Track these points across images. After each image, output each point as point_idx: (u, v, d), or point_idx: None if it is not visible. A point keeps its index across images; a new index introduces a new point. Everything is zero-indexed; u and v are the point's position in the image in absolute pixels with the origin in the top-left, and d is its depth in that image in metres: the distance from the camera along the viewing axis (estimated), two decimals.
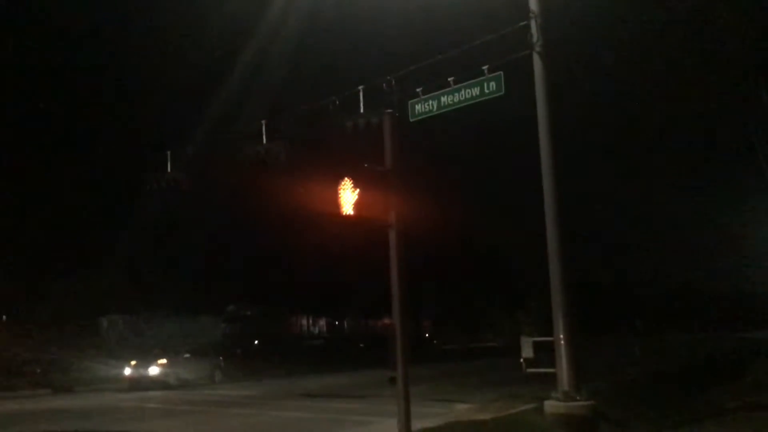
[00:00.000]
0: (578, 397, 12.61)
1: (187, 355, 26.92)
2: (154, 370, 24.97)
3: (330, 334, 55.07)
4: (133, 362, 25.40)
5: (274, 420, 15.56)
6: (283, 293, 47.26)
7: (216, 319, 45.32)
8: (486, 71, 12.46)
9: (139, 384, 24.43)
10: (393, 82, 12.34)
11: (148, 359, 25.42)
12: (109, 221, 35.95)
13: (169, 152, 16.25)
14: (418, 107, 13.07)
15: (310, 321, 55.56)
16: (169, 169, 16.02)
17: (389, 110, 9.53)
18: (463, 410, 15.94)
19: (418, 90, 13.06)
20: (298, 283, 46.29)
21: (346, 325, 57.76)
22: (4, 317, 32.10)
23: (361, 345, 51.70)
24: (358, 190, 8.70)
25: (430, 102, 12.97)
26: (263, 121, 14.57)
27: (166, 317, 40.32)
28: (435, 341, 60.99)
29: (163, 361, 25.43)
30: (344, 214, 8.72)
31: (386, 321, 59.37)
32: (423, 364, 33.38)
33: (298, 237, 35.36)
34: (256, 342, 47.08)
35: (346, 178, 8.63)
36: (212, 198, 30.74)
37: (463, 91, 12.67)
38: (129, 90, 36.39)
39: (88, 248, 34.04)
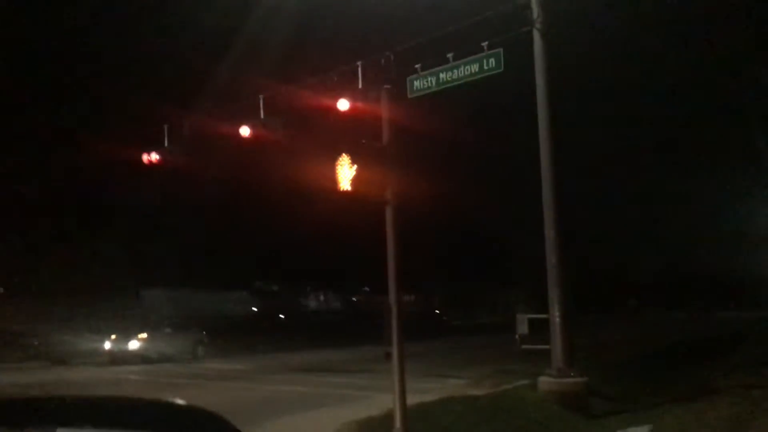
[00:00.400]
0: (572, 374, 12.76)
1: (168, 330, 26.54)
2: (134, 345, 24.71)
3: (350, 309, 55.32)
4: (113, 336, 25.11)
5: (267, 394, 15.69)
6: (299, 269, 48.00)
7: (243, 294, 46.83)
8: (485, 48, 12.40)
9: (119, 358, 24.14)
10: (392, 57, 12.27)
11: (128, 334, 25.19)
12: (108, 197, 35.91)
13: (165, 126, 16.15)
14: (416, 84, 13.01)
15: (329, 296, 56.58)
16: (165, 144, 15.94)
17: (387, 86, 9.49)
18: (457, 386, 16.09)
19: (416, 66, 13.00)
20: (312, 259, 46.65)
21: (363, 300, 58.26)
22: (1, 289, 32.18)
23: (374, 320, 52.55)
24: (355, 166, 8.68)
25: (429, 78, 12.91)
26: (261, 96, 14.48)
27: (192, 292, 41.27)
28: (445, 317, 61.46)
29: (144, 335, 25.24)
30: (341, 190, 8.71)
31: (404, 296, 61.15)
32: (438, 339, 33.94)
33: (307, 213, 35.24)
34: (282, 316, 47.86)
35: (343, 154, 8.61)
36: (211, 173, 30.63)
37: (462, 68, 12.61)
38: (127, 63, 36.11)
39: (89, 221, 34.12)
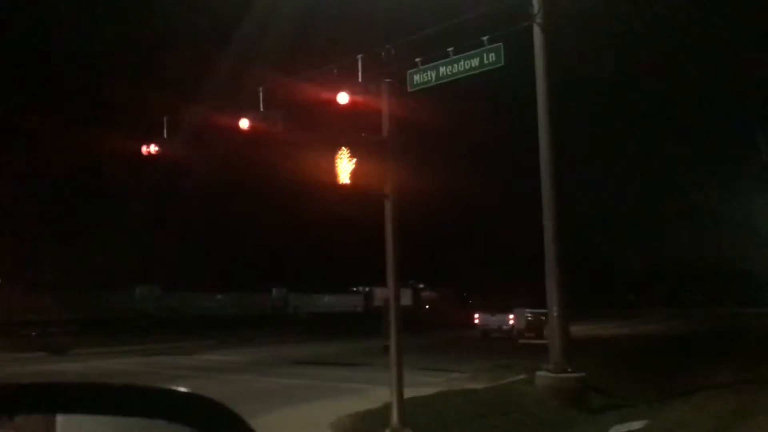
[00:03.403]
0: (569, 369, 12.77)
1: None
2: None
3: (364, 304, 55.73)
4: None
5: (266, 386, 15.71)
6: (311, 270, 48.94)
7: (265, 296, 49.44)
8: (486, 42, 12.37)
9: None
10: (392, 51, 12.25)
11: None
12: (108, 191, 35.95)
13: (165, 118, 16.10)
14: (416, 77, 13.00)
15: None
16: (165, 136, 15.90)
17: (387, 80, 9.47)
18: (455, 379, 16.12)
19: (417, 60, 12.98)
20: (324, 258, 47.17)
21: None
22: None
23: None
24: (354, 159, 8.67)
25: (429, 72, 12.90)
26: (260, 88, 14.45)
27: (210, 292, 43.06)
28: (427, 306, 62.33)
29: None
30: (341, 183, 8.70)
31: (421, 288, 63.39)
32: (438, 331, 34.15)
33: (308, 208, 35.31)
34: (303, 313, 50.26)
35: (343, 147, 8.59)
36: (210, 166, 30.62)
37: (462, 62, 12.59)
38: (128, 55, 36.07)
39: (88, 217, 34.17)
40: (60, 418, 1.40)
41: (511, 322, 30.44)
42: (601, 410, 12.30)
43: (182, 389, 1.54)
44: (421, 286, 63.85)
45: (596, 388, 13.87)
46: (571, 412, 11.84)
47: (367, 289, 54.40)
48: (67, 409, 1.41)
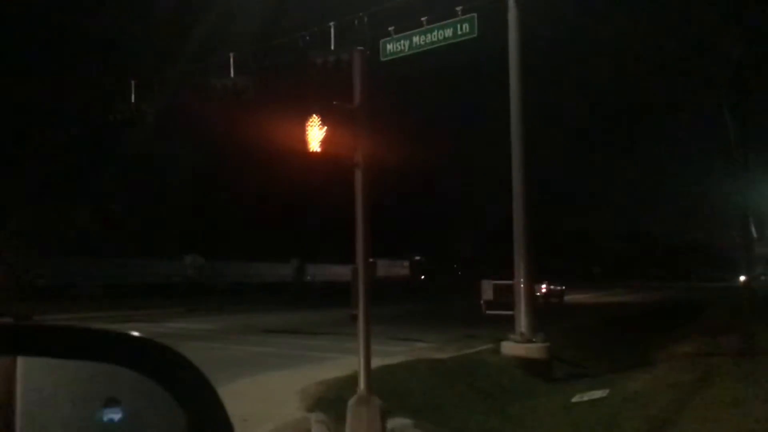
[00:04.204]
0: (534, 339, 12.99)
1: None
2: None
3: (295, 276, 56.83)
4: None
5: (235, 353, 15.73)
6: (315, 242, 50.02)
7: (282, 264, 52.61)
8: (459, 12, 12.31)
9: None
10: (365, 19, 12.14)
11: None
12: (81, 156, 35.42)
13: (133, 82, 15.80)
14: (389, 46, 12.91)
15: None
16: (133, 100, 15.61)
17: (360, 48, 9.37)
18: (423, 349, 16.27)
19: (390, 29, 12.88)
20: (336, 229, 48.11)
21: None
22: None
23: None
24: (325, 127, 8.59)
25: (402, 42, 12.81)
26: (231, 54, 14.24)
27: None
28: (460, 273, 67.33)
29: None
30: (311, 151, 8.63)
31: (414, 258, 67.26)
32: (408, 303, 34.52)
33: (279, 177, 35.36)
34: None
35: (313, 115, 8.51)
36: (181, 133, 30.28)
37: (435, 32, 12.52)
38: (95, 20, 35.22)
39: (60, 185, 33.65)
40: (20, 361, 1.38)
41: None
42: (564, 379, 12.56)
43: (147, 337, 1.53)
44: (417, 258, 66.72)
45: (561, 358, 14.14)
46: (535, 381, 12.07)
47: (294, 260, 55.65)
48: (29, 351, 1.39)
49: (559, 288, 41.92)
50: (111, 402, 1.39)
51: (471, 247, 69.04)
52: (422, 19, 12.58)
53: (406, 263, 67.19)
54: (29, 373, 1.37)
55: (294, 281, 53.27)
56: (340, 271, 54.75)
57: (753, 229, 22.06)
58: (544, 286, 38.93)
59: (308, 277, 54.84)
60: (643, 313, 32.60)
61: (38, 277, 32.42)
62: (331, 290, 43.98)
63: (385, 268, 59.48)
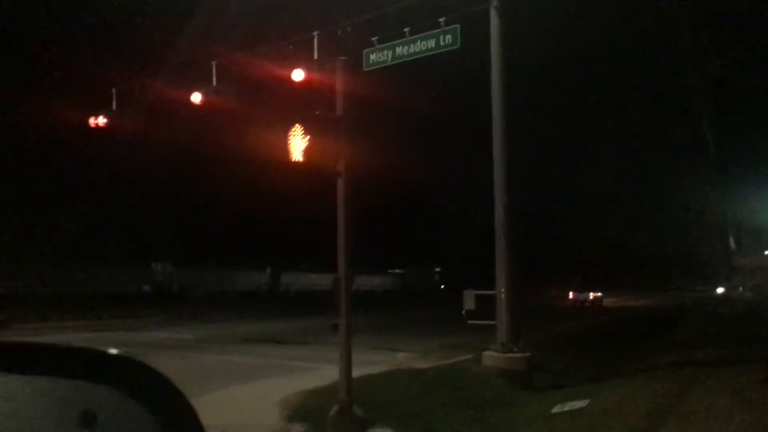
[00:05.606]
0: (515, 349, 13.02)
1: None
2: None
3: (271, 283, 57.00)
4: None
5: (215, 363, 15.62)
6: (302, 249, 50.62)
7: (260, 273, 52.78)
8: (442, 23, 12.38)
9: None
10: (349, 29, 12.15)
11: None
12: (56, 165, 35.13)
13: (114, 90, 15.68)
14: (372, 57, 12.94)
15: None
16: (113, 108, 15.49)
17: (343, 58, 9.40)
18: (404, 358, 16.27)
19: (373, 39, 12.92)
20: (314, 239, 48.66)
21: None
22: None
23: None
24: (308, 137, 8.60)
25: (385, 52, 12.86)
26: (214, 62, 14.20)
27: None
28: (443, 286, 67.71)
29: None
30: (294, 160, 8.63)
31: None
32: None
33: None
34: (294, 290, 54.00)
35: (296, 124, 8.52)
36: (162, 140, 30.07)
37: (418, 43, 12.58)
38: (80, 26, 35.03)
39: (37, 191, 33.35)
40: None
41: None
42: (545, 389, 12.58)
43: (111, 351, 1.52)
44: (437, 270, 69.12)
45: (542, 368, 14.19)
46: (516, 391, 12.09)
47: (269, 269, 55.46)
48: (3, 369, 1.37)
49: (600, 295, 58.28)
50: (87, 415, 1.38)
51: (459, 256, 69.74)
52: (405, 30, 12.64)
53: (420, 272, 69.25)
54: (2, 387, 1.35)
55: (268, 290, 53.04)
56: (316, 280, 54.96)
57: (732, 241, 22.31)
58: (592, 294, 56.69)
59: (283, 286, 54.73)
60: (622, 323, 32.85)
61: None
62: (305, 299, 44.02)
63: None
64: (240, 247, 50.73)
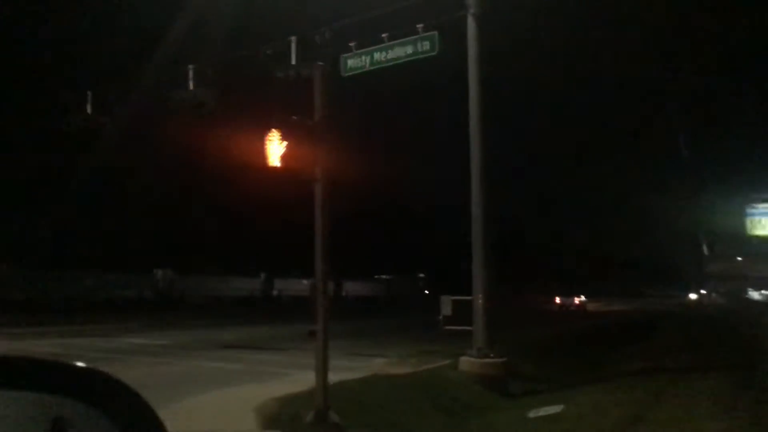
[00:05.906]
0: (492, 354, 13.08)
1: None
2: None
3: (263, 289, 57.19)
4: None
5: (190, 369, 15.47)
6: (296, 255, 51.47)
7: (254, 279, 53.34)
8: (420, 30, 12.44)
9: None
10: (327, 35, 12.18)
11: None
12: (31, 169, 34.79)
13: (89, 92, 15.52)
14: (350, 62, 12.97)
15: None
16: (89, 110, 15.33)
17: (320, 63, 9.41)
18: (381, 364, 16.23)
19: (351, 45, 12.94)
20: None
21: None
22: None
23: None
24: (285, 142, 8.58)
25: (363, 57, 12.89)
26: (191, 67, 14.12)
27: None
28: (426, 291, 67.53)
29: None
30: (271, 165, 8.61)
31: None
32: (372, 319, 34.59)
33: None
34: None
35: (273, 130, 8.50)
36: (144, 145, 29.91)
37: (396, 49, 12.63)
38: (58, 29, 34.72)
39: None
40: None
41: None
42: (521, 395, 12.65)
43: (78, 363, 1.51)
44: (421, 275, 69.73)
45: (518, 373, 14.24)
46: (492, 396, 12.14)
47: (263, 275, 55.74)
48: None
49: (585, 300, 61.65)
50: (54, 428, 1.36)
51: (442, 262, 70.34)
52: (383, 35, 12.68)
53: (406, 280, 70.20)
54: None
55: (261, 295, 53.41)
56: (307, 286, 55.16)
57: (704, 247, 22.61)
58: (577, 299, 60.30)
59: (275, 292, 55.04)
60: (601, 328, 33.11)
61: None
62: (296, 305, 44.07)
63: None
64: (238, 253, 51.75)
